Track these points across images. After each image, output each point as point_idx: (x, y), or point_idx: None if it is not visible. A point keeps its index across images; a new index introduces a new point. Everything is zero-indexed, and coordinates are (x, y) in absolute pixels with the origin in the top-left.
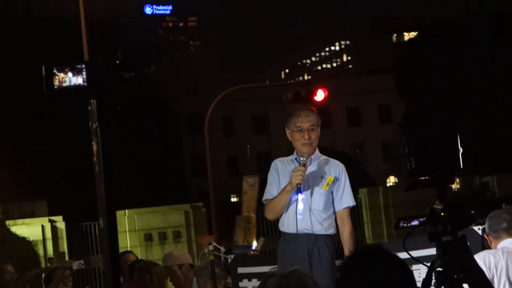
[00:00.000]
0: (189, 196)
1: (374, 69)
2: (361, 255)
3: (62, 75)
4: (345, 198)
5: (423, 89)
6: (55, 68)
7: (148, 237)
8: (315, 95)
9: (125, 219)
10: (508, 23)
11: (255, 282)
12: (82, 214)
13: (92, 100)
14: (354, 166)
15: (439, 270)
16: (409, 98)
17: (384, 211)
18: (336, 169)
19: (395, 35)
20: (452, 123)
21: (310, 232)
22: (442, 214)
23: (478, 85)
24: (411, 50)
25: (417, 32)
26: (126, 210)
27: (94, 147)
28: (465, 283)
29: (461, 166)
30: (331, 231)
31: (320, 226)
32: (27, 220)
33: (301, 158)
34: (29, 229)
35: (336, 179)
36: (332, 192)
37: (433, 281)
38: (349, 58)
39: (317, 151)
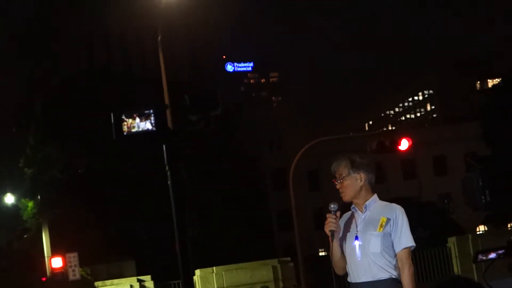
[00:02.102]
0: (277, 252)
1: (458, 117)
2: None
3: (130, 120)
4: (404, 239)
5: (509, 135)
6: (123, 115)
7: None
8: (399, 145)
9: (213, 276)
10: None
11: None
12: (171, 272)
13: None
14: (442, 216)
15: None
16: (495, 144)
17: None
18: (391, 211)
19: (478, 82)
20: None
21: (371, 279)
22: None
23: None
24: (496, 96)
25: (500, 78)
26: (214, 268)
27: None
28: None
29: None
30: (395, 275)
31: (380, 270)
32: (116, 281)
33: (332, 206)
34: None
35: (390, 220)
36: (391, 235)
37: None
38: (433, 107)
39: (374, 196)
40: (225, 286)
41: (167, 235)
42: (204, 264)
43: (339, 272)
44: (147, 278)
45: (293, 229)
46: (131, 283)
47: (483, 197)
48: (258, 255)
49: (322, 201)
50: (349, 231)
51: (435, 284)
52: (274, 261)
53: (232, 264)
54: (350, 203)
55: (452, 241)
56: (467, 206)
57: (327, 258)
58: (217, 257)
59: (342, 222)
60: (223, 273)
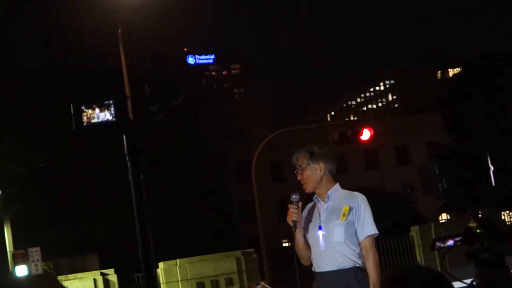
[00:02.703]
0: (240, 243)
1: (420, 107)
2: (404, 274)
3: (90, 111)
4: (367, 227)
5: (470, 124)
6: (83, 106)
7: (201, 286)
8: (361, 135)
9: (176, 268)
10: None
11: None
12: (134, 265)
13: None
14: (404, 205)
15: None
16: (457, 133)
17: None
18: (353, 199)
19: (439, 71)
20: (482, 143)
21: (337, 268)
22: (478, 231)
23: None
24: (457, 85)
25: (461, 68)
26: (178, 260)
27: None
28: None
29: (493, 184)
30: (359, 263)
31: (344, 259)
32: (79, 275)
33: (294, 196)
34: (81, 283)
35: (353, 209)
36: (354, 224)
37: None
38: (394, 97)
39: (336, 186)
40: (188, 278)
41: (130, 228)
42: (167, 256)
43: (305, 262)
44: (110, 272)
45: (256, 221)
46: (95, 277)
47: (440, 185)
48: (222, 247)
49: (285, 193)
50: (312, 221)
51: (392, 273)
52: (238, 253)
53: (196, 256)
54: (313, 194)
55: (414, 230)
56: (428, 195)
57: (291, 249)
58: (180, 249)
59: (305, 212)
60: (186, 265)
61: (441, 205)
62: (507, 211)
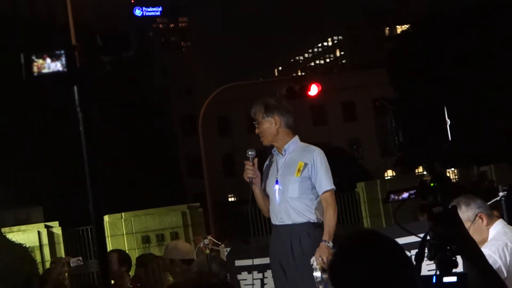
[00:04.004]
0: (186, 198)
1: (367, 63)
2: (355, 240)
3: (41, 61)
4: (324, 182)
5: (416, 81)
6: (34, 55)
7: (146, 239)
8: (309, 90)
9: (121, 221)
10: (495, 14)
11: (256, 274)
12: (79, 218)
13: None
14: (351, 161)
15: (431, 242)
16: (404, 90)
17: (383, 204)
18: (309, 155)
19: (387, 28)
20: (439, 96)
21: (290, 222)
22: (432, 185)
23: (471, 75)
24: (404, 42)
25: (409, 25)
26: (123, 213)
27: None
28: (458, 254)
29: (449, 138)
30: (313, 219)
31: (298, 214)
32: (23, 227)
33: (250, 153)
34: (25, 235)
35: (308, 165)
36: (310, 179)
37: (426, 253)
38: (342, 53)
39: (294, 139)
40: (134, 231)
41: (75, 181)
42: (112, 210)
43: (266, 215)
44: (54, 224)
45: (202, 175)
46: (39, 229)
47: (396, 138)
48: (168, 201)
49: (232, 147)
50: (270, 175)
51: (341, 242)
52: (183, 207)
53: (141, 210)
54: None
55: (360, 186)
56: (379, 150)
57: (238, 203)
58: (125, 203)
59: (267, 163)
60: (131, 218)
61: (396, 158)
62: (452, 169)
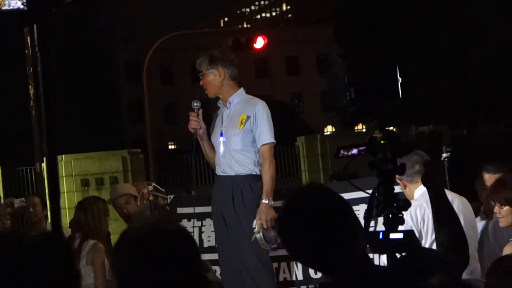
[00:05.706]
0: (127, 143)
1: (313, 19)
2: (301, 193)
3: None
4: (263, 135)
5: (362, 38)
6: None
7: (85, 183)
8: (255, 43)
9: (62, 164)
10: None
11: (196, 222)
12: (18, 159)
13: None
14: (292, 116)
15: (379, 198)
16: (348, 47)
17: (322, 159)
18: (252, 107)
19: None
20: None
21: (233, 174)
22: (382, 142)
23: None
24: None
25: None
26: (63, 156)
27: (31, 91)
28: (404, 210)
29: (400, 96)
30: (256, 171)
31: (241, 166)
32: None
33: (195, 104)
34: None
35: (250, 117)
36: (252, 131)
37: (374, 210)
38: (288, 7)
39: (239, 92)
40: (73, 174)
41: (16, 121)
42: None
43: (213, 166)
44: None
45: (144, 122)
46: None
47: (348, 94)
48: (108, 145)
49: (174, 97)
50: (216, 127)
51: (289, 196)
52: (124, 152)
53: (81, 153)
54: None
55: (300, 141)
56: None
57: (179, 151)
58: (65, 146)
59: (214, 117)
60: (72, 161)
61: (348, 113)
62: (392, 127)
